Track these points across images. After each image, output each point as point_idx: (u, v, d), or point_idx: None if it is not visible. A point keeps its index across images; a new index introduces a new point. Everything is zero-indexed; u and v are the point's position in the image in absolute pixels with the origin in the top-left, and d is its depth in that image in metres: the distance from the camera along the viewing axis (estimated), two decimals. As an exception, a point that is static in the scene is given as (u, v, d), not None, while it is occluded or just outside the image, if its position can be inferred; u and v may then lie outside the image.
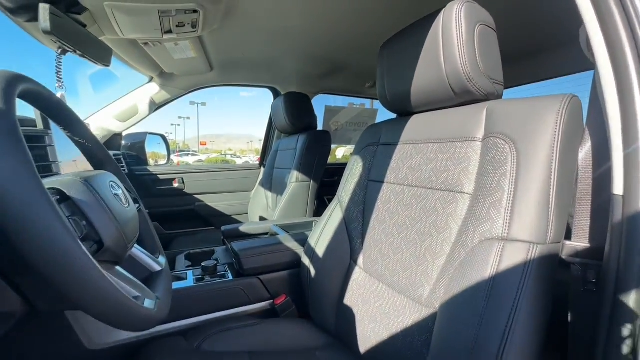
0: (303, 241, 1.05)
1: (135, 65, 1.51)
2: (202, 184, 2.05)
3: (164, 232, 1.93)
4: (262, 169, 2.22)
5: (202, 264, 1.00)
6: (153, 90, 1.70)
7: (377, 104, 2.83)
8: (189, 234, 1.95)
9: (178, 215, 1.98)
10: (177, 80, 1.71)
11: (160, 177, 1.93)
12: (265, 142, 2.24)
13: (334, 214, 0.94)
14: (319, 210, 1.69)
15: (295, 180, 1.55)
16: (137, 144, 2.05)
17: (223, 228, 1.27)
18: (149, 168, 1.90)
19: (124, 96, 1.68)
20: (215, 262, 1.01)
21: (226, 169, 2.14)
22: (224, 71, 1.73)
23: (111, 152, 1.78)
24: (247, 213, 2.12)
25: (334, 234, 0.92)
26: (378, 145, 0.90)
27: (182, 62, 1.52)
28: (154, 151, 2.29)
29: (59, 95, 0.91)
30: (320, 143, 1.61)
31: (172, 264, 1.20)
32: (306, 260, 0.96)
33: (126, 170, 1.81)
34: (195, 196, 2.04)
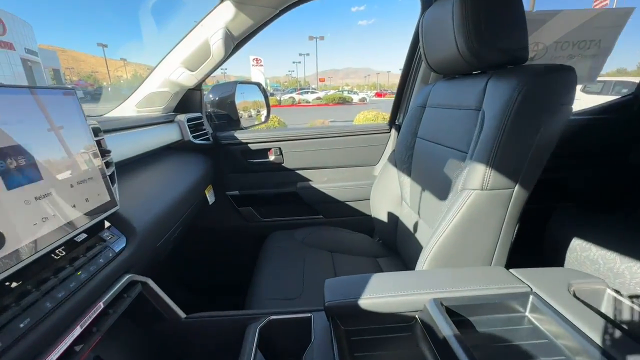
0: None
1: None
2: (305, 156, 1.44)
3: (260, 221, 1.47)
4: (393, 132, 1.43)
5: None
6: (227, 14, 1.06)
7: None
8: (290, 226, 1.43)
9: (276, 199, 1.46)
10: (259, -10, 1.01)
11: (252, 146, 1.40)
12: (401, 89, 1.40)
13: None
14: (523, 243, 0.83)
15: (480, 184, 0.71)
16: (226, 99, 1.54)
17: (327, 302, 0.62)
18: (237, 135, 1.39)
19: (190, 31, 1.11)
20: None
21: (337, 132, 1.44)
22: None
23: (190, 115, 1.31)
24: (368, 199, 1.44)
25: None
26: None
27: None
28: (255, 99, 1.79)
29: None
30: (550, 96, 0.68)
31: (239, 335, 0.65)
32: None
33: (210, 140, 1.34)
34: (298, 172, 1.47)
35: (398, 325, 0.62)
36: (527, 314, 0.60)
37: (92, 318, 0.50)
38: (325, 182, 1.45)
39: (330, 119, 10.66)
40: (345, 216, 1.48)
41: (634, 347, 0.46)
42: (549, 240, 1.23)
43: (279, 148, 1.41)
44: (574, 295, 0.60)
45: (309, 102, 27.09)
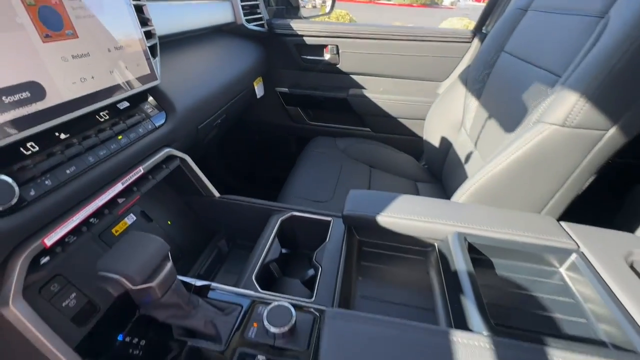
0: None
1: None
2: (363, 59, 1.28)
3: (305, 123, 1.45)
4: (475, 43, 1.18)
5: (272, 331, 0.43)
6: None
7: None
8: (335, 133, 1.38)
9: (325, 103, 1.39)
10: None
11: (308, 40, 1.27)
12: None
13: None
14: (590, 202, 0.71)
15: (563, 119, 0.57)
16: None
17: (345, 211, 0.60)
18: (293, 25, 1.25)
19: None
20: (293, 324, 0.43)
21: (406, 34, 1.22)
22: None
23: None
24: (423, 119, 1.31)
25: None
26: None
27: None
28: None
29: None
30: None
31: (264, 222, 0.71)
32: None
33: (265, 27, 1.24)
34: (352, 77, 1.34)
35: (413, 248, 0.61)
36: (561, 269, 0.54)
37: (132, 179, 0.56)
38: (381, 92, 1.32)
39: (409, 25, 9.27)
40: (394, 133, 1.39)
41: None
42: (628, 209, 1.04)
43: (336, 46, 1.27)
44: (631, 266, 0.51)
45: (390, 1, 23.46)
